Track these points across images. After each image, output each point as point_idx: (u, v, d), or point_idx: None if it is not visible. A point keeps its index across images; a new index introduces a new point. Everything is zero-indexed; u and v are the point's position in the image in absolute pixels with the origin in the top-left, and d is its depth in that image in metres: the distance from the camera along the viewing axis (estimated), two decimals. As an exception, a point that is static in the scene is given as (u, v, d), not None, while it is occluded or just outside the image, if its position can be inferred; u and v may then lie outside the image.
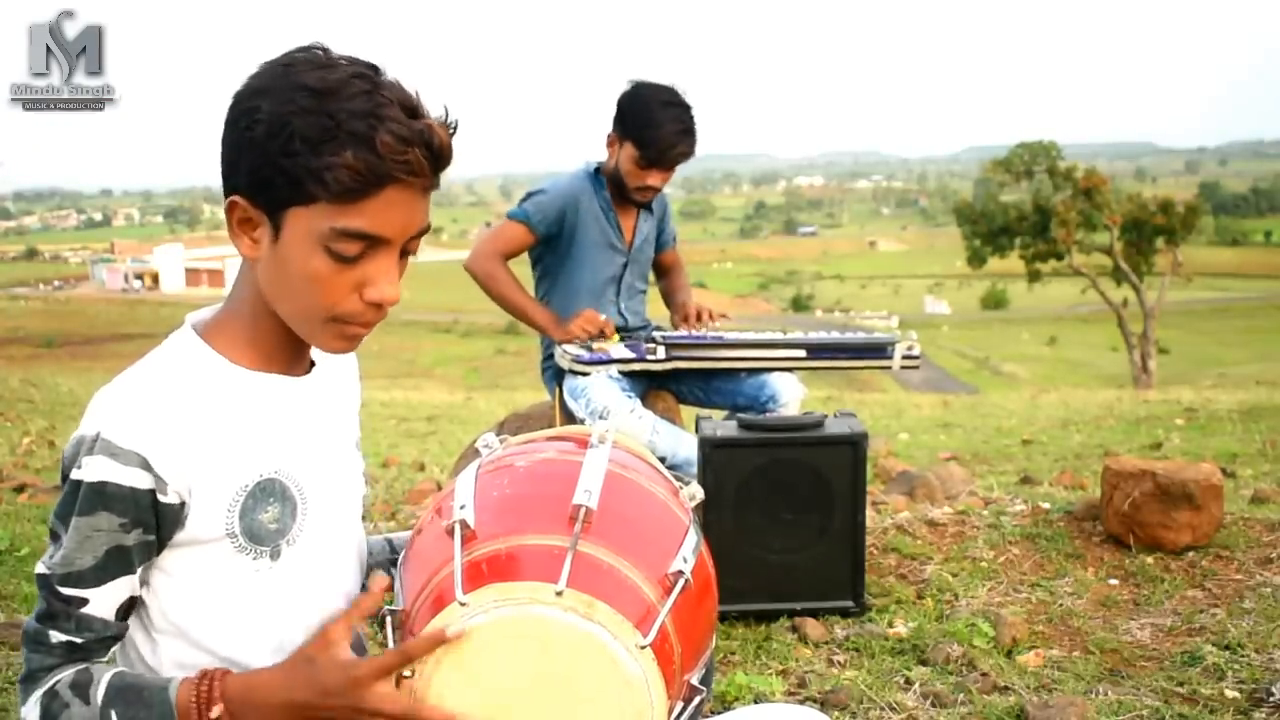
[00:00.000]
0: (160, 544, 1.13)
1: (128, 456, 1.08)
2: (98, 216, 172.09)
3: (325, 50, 1.11)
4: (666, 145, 3.08)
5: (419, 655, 1.08)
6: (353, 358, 1.38)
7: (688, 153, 3.13)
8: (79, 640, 1.11)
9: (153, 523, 1.10)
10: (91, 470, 1.08)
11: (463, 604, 1.09)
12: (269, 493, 1.18)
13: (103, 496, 1.08)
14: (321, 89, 1.06)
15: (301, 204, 1.07)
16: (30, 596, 2.82)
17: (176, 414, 1.11)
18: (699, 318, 3.33)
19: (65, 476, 1.11)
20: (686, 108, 3.11)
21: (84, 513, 1.09)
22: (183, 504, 1.12)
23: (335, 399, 1.33)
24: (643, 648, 1.09)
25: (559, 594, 1.08)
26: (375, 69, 1.10)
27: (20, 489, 4.37)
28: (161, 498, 1.10)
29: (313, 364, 1.28)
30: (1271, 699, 2.08)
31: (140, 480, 1.08)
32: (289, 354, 1.23)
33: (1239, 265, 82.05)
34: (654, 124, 3.06)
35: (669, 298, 3.59)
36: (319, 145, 1.05)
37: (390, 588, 1.13)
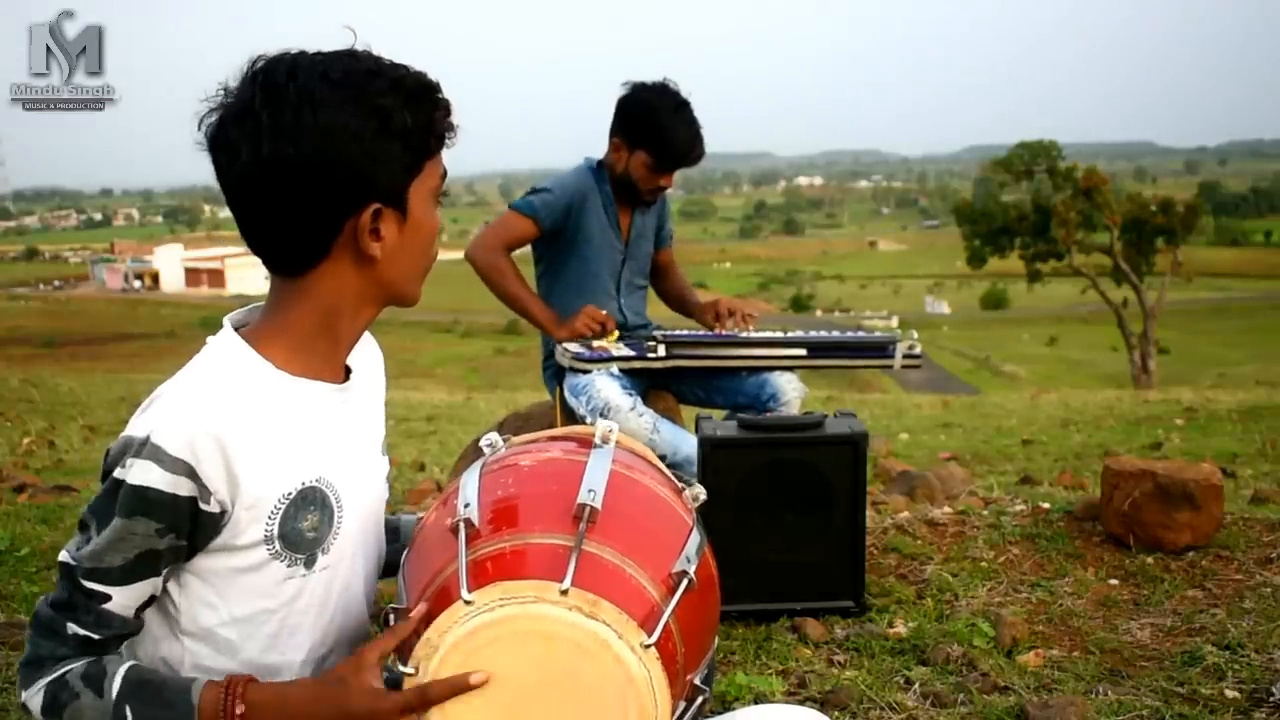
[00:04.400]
0: (192, 549, 1.13)
1: (174, 464, 1.08)
2: (98, 216, 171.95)
3: (313, 51, 1.17)
4: (683, 151, 3.13)
5: (439, 699, 1.08)
6: (379, 354, 1.39)
7: (701, 155, 3.18)
8: (96, 635, 1.11)
9: (188, 528, 1.11)
10: (137, 473, 1.08)
11: (468, 602, 1.09)
12: (310, 501, 1.18)
13: (144, 501, 1.08)
14: (378, 69, 1.15)
15: (418, 173, 1.18)
16: (31, 597, 2.82)
17: (228, 423, 1.11)
18: (730, 314, 3.29)
19: (107, 473, 1.11)
20: (690, 107, 3.13)
21: (123, 514, 1.09)
22: (223, 512, 1.12)
23: (370, 405, 1.34)
24: (647, 647, 1.09)
25: (564, 592, 1.08)
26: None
27: (20, 489, 4.37)
28: (203, 505, 1.10)
29: (349, 371, 1.29)
30: (1271, 699, 2.08)
31: (183, 488, 1.08)
32: (333, 362, 1.24)
33: (1239, 265, 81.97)
34: (667, 131, 3.09)
35: (680, 300, 3.56)
36: (419, 108, 1.16)
37: (426, 617, 1.13)
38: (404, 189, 1.18)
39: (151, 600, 1.14)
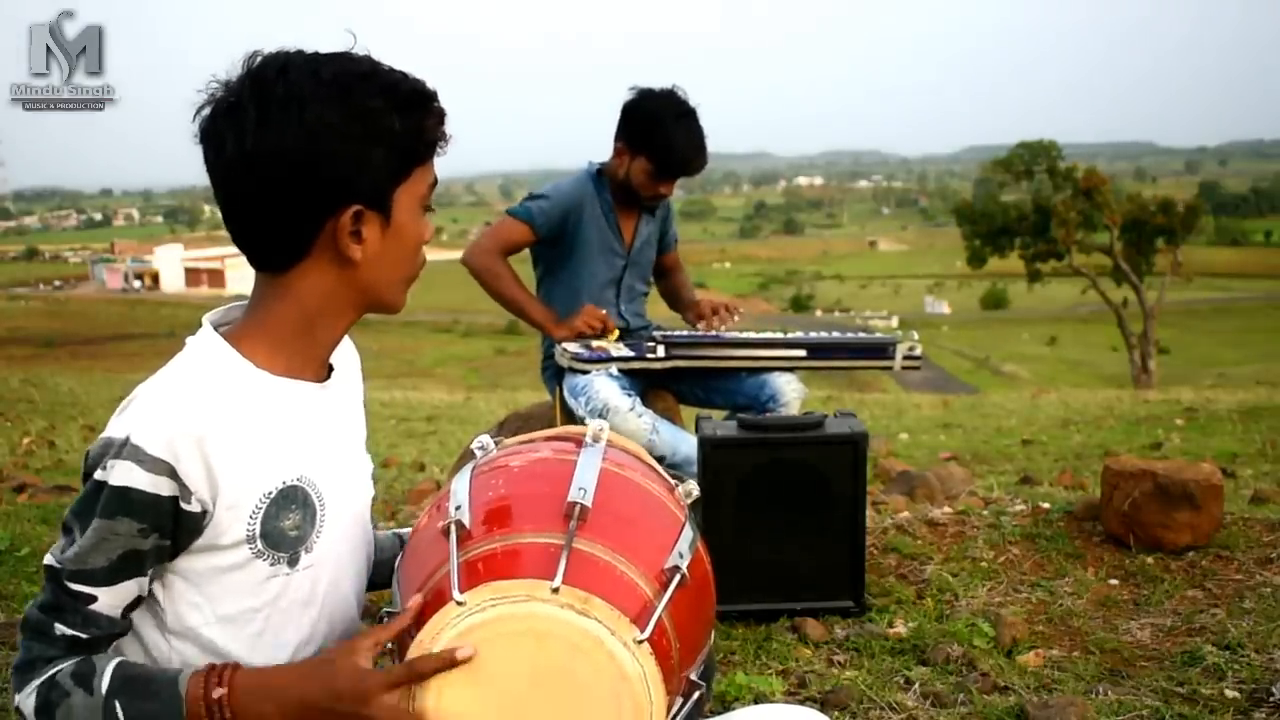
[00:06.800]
0: (175, 549, 1.13)
1: (155, 464, 1.08)
2: (98, 216, 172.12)
3: (310, 51, 1.16)
4: (683, 160, 3.11)
5: (428, 673, 1.08)
6: (355, 352, 1.39)
7: (703, 165, 3.16)
8: (84, 635, 1.11)
9: (170, 528, 1.10)
10: (118, 474, 1.08)
11: (460, 603, 1.09)
12: (291, 499, 1.18)
13: (126, 502, 1.08)
14: (372, 72, 1.14)
15: (404, 178, 1.17)
16: (31, 597, 2.82)
17: (207, 422, 1.11)
18: (714, 312, 3.30)
19: (88, 475, 1.11)
20: (695, 117, 3.12)
21: (105, 515, 1.08)
22: (204, 512, 1.12)
23: (351, 403, 1.34)
24: (640, 643, 1.09)
25: (555, 590, 1.08)
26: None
27: (20, 489, 4.37)
28: (184, 505, 1.10)
29: (330, 370, 1.28)
30: (1271, 699, 2.07)
31: (165, 488, 1.08)
32: (314, 361, 1.24)
33: (1239, 265, 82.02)
34: (668, 139, 3.07)
35: (674, 296, 3.57)
36: (409, 113, 1.15)
37: (422, 610, 1.13)
38: (388, 193, 1.16)
39: (139, 601, 1.14)
